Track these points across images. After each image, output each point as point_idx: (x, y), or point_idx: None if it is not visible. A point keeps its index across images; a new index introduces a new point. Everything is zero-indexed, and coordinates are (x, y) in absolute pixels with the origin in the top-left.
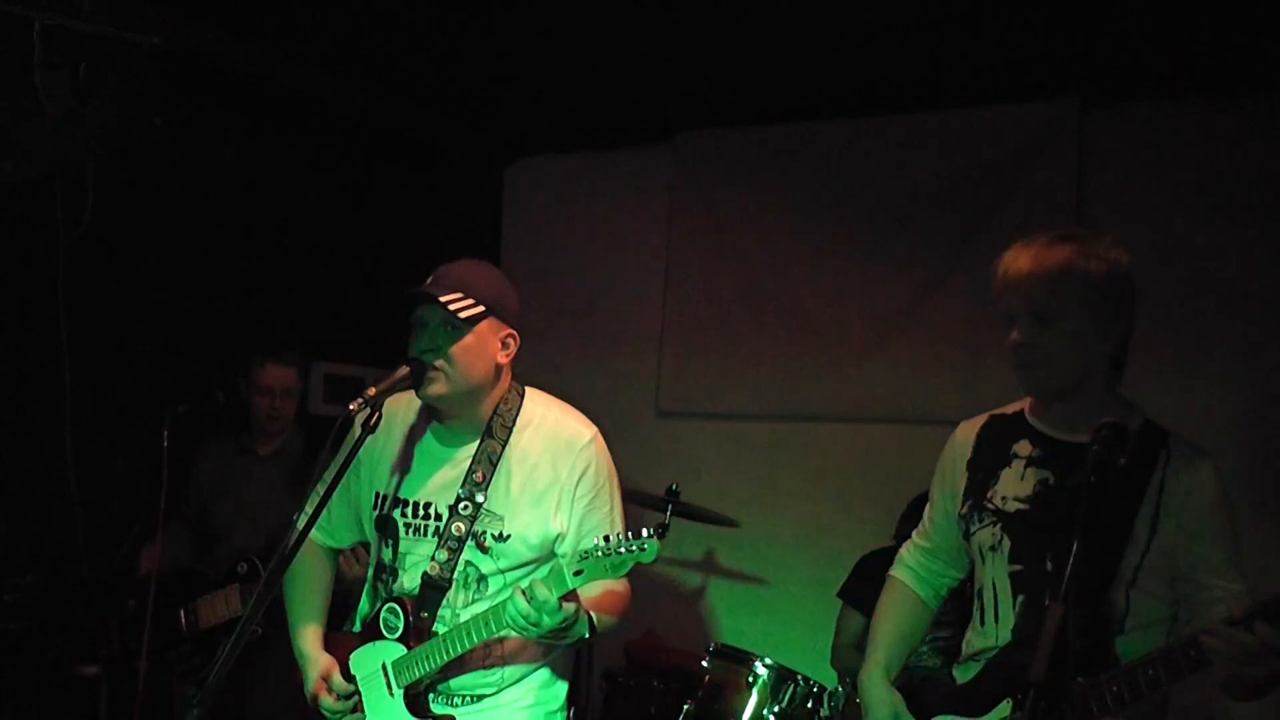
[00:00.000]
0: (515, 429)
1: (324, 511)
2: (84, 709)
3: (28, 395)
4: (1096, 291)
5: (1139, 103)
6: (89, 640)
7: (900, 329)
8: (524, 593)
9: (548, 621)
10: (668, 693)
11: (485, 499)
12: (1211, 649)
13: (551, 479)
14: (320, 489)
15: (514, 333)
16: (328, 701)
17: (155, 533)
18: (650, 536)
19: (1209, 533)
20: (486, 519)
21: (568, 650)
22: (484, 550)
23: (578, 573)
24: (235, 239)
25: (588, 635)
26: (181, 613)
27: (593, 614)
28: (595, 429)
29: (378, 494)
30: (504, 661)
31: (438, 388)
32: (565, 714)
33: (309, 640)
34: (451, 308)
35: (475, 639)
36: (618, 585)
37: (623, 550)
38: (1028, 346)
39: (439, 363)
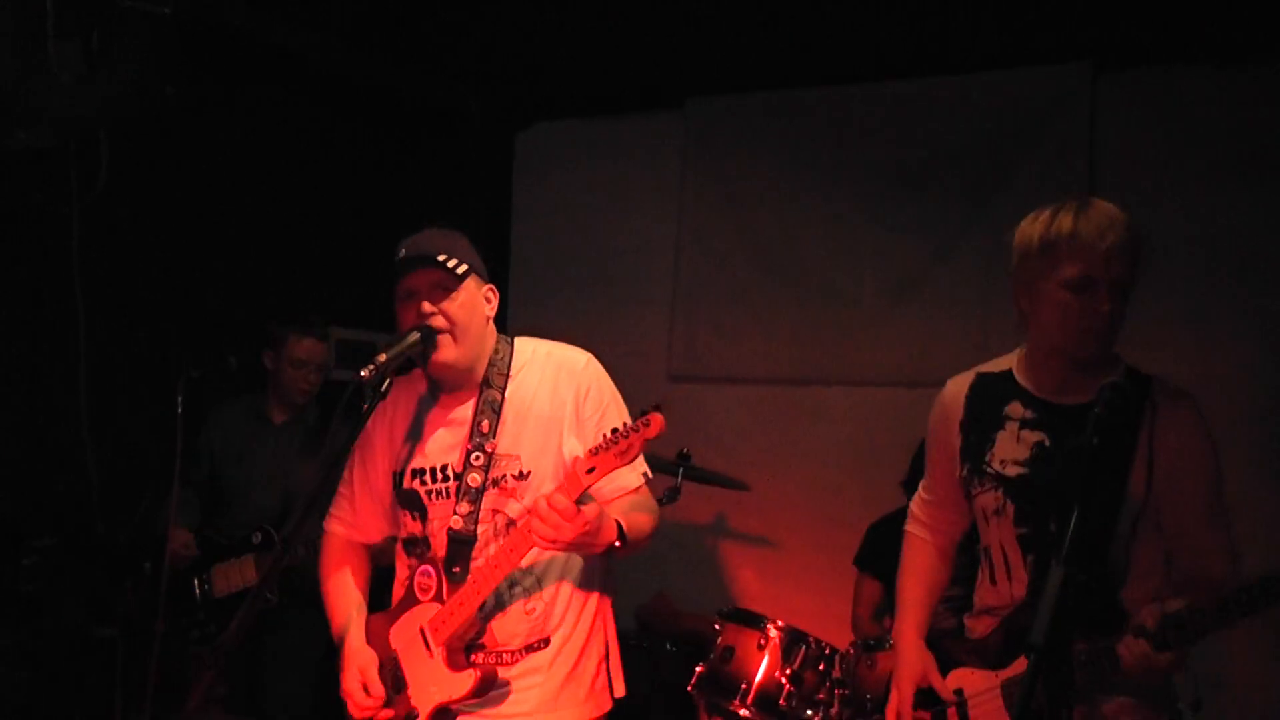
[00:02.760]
0: (511, 374)
1: (349, 507)
2: (100, 670)
3: (43, 360)
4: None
5: (1151, 67)
6: (105, 602)
7: (912, 293)
8: (547, 499)
9: (569, 530)
10: (679, 655)
11: (495, 445)
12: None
13: (556, 406)
14: (336, 470)
15: (493, 287)
16: (358, 697)
17: (169, 497)
18: (654, 410)
19: (1198, 473)
20: (502, 463)
21: (607, 587)
22: (508, 493)
23: (590, 470)
24: (247, 205)
25: (619, 542)
26: (195, 581)
27: (620, 518)
28: (589, 354)
29: (394, 474)
30: (543, 600)
31: (447, 353)
32: (608, 662)
33: (351, 634)
34: (449, 265)
35: (503, 572)
36: (639, 495)
37: (628, 434)
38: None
39: (442, 323)
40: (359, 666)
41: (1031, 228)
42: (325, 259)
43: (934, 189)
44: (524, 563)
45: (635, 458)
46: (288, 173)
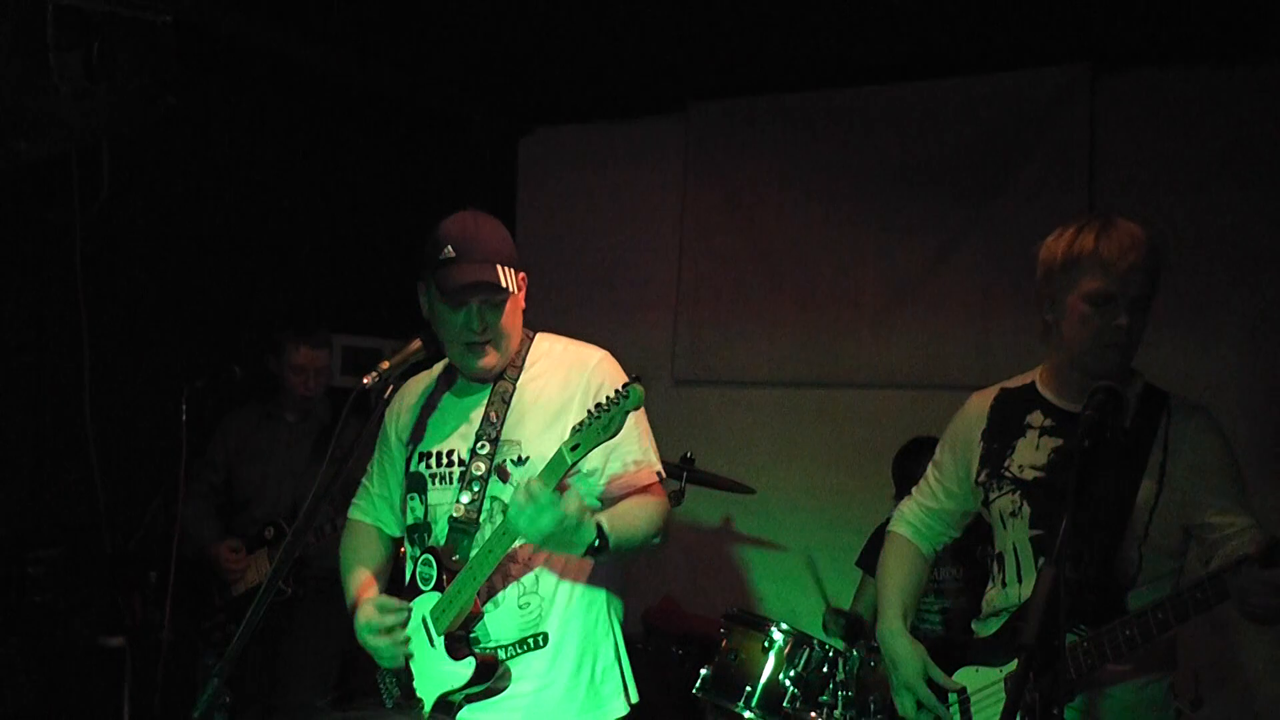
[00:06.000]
0: (525, 367)
1: (367, 495)
2: (109, 680)
3: (48, 370)
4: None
5: (1150, 68)
6: (113, 612)
7: (914, 295)
8: (528, 482)
9: (547, 518)
10: (685, 658)
11: (500, 433)
12: (1234, 587)
13: (565, 396)
14: (348, 464)
15: (524, 274)
16: (374, 622)
17: (176, 507)
18: (632, 383)
19: (1216, 472)
20: (504, 449)
21: (614, 588)
22: (506, 479)
23: (574, 447)
24: (250, 213)
25: (598, 542)
26: (215, 584)
27: (603, 519)
28: (605, 352)
29: (406, 459)
30: (539, 595)
31: (489, 360)
32: (619, 665)
33: (360, 591)
34: (505, 285)
35: (497, 556)
36: (645, 496)
37: (609, 406)
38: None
39: (490, 336)
40: (375, 605)
41: (1056, 244)
42: (329, 266)
43: (935, 190)
44: (522, 556)
45: (617, 432)
46: (290, 181)
